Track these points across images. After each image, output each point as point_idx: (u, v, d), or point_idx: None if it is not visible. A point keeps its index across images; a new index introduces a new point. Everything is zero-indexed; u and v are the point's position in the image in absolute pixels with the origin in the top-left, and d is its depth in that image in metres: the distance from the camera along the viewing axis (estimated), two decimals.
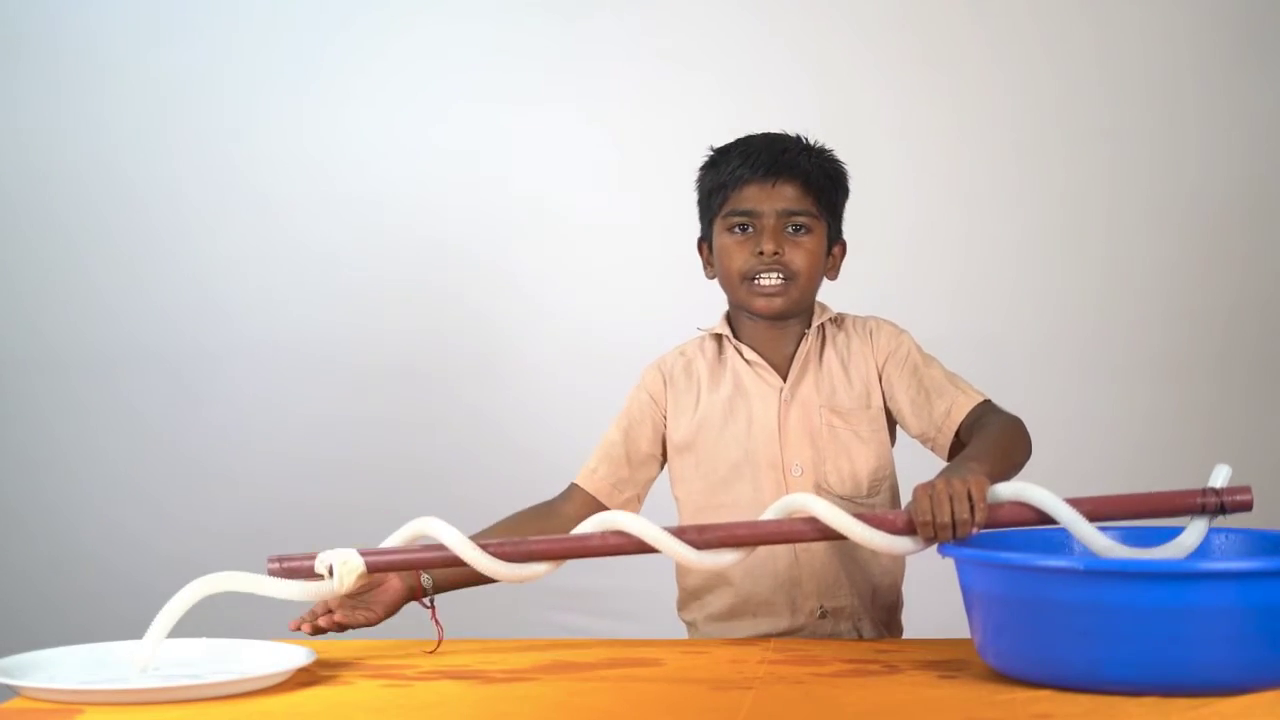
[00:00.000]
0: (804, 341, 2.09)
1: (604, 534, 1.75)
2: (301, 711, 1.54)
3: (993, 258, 3.31)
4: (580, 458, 2.11)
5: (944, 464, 1.89)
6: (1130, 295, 3.29)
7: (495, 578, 1.76)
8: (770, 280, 2.04)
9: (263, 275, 3.39)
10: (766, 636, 2.03)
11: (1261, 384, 3.27)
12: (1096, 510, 1.67)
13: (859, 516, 1.71)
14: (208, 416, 3.40)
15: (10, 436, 3.42)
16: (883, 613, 2.10)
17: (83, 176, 3.40)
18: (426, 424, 3.36)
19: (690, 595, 2.12)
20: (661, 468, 2.14)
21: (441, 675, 1.71)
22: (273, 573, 1.76)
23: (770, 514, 1.75)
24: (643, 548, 1.74)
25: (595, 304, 3.36)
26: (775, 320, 2.09)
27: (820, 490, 2.04)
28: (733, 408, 2.09)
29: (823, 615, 2.06)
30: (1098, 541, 1.63)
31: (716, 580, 2.07)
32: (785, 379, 2.08)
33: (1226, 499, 1.65)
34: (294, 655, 1.68)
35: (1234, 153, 3.28)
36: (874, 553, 2.04)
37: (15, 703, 1.57)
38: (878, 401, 2.08)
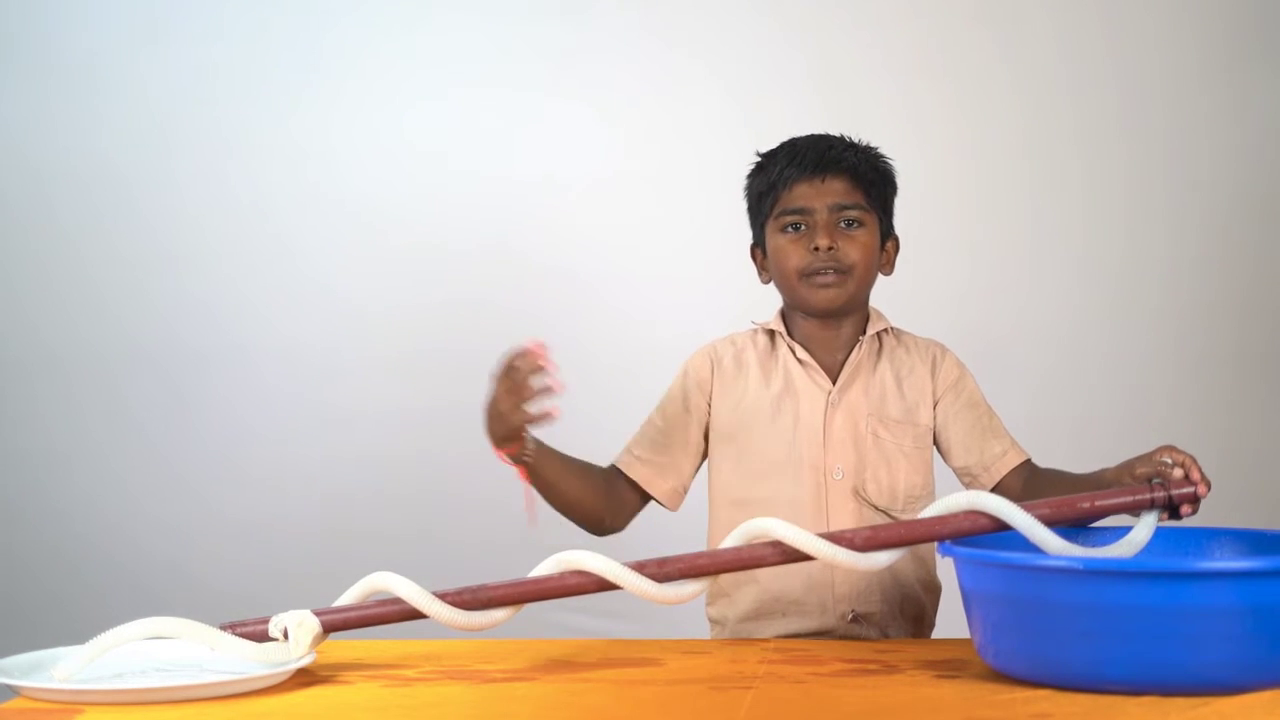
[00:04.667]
0: (857, 348, 2.10)
1: (563, 574, 1.74)
2: (301, 711, 1.54)
3: (1002, 257, 3.31)
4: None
5: None
6: (1143, 293, 3.28)
7: (454, 628, 1.73)
8: (826, 274, 2.05)
9: (262, 276, 3.39)
10: (794, 637, 2.03)
11: (1276, 380, 3.27)
12: (1053, 514, 1.70)
13: (821, 535, 1.70)
14: (204, 418, 3.39)
15: (8, 435, 3.42)
16: (910, 622, 2.10)
17: (80, 177, 3.40)
18: (431, 424, 3.35)
19: (719, 592, 2.12)
20: (704, 456, 2.14)
21: (441, 675, 1.71)
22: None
23: (731, 541, 1.74)
24: (604, 585, 1.73)
25: (598, 302, 3.36)
26: (833, 316, 2.09)
27: (858, 496, 2.06)
28: (781, 405, 2.09)
29: (853, 619, 2.06)
30: (1053, 543, 1.64)
31: (746, 577, 2.07)
32: (835, 382, 2.09)
33: (1174, 492, 1.71)
34: (305, 641, 1.68)
35: (1245, 149, 3.28)
36: (909, 561, 2.07)
37: (15, 703, 1.57)
38: (925, 422, 2.10)
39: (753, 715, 1.49)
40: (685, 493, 2.13)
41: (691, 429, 2.12)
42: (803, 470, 2.06)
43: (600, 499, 2.07)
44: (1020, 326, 3.28)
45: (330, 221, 3.39)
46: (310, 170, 3.39)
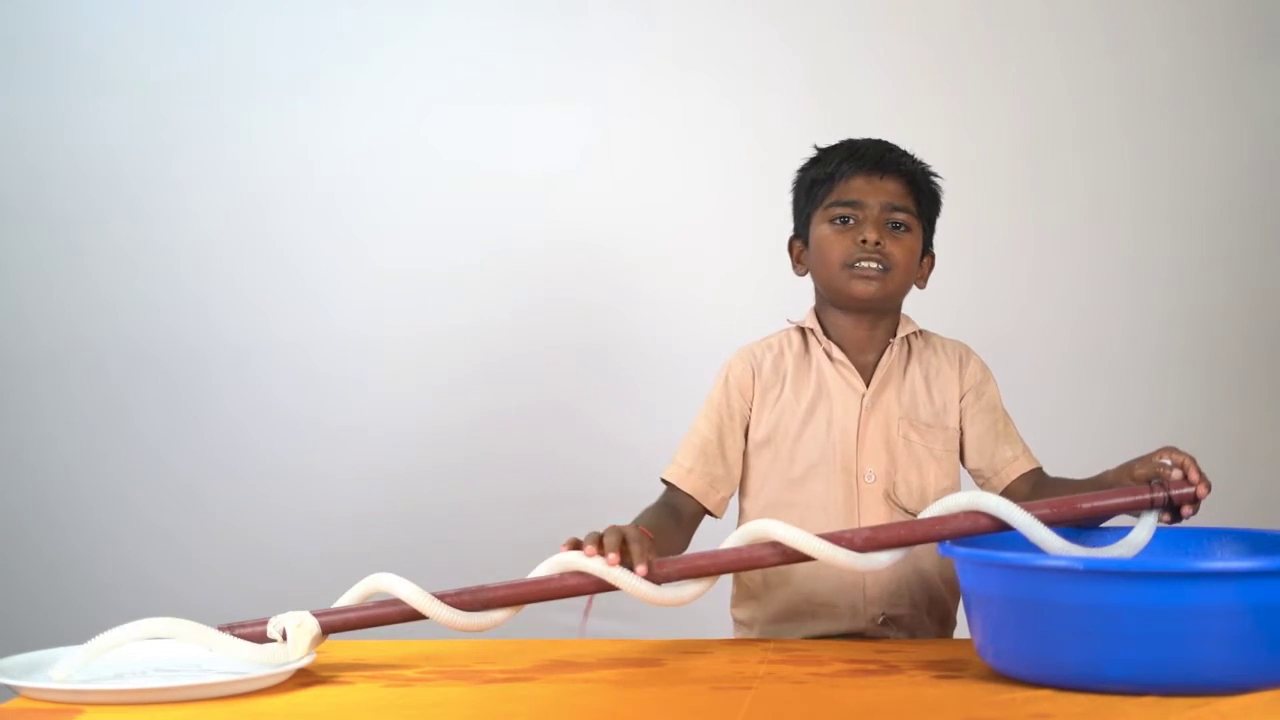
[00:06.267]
0: (889, 350, 2.11)
1: (563, 575, 1.74)
2: (301, 711, 1.54)
3: (1006, 259, 3.30)
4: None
5: None
6: (1147, 293, 3.27)
7: (454, 629, 1.73)
8: (870, 265, 2.06)
9: (262, 278, 3.37)
10: (824, 638, 2.04)
11: None
12: (1053, 515, 1.71)
13: (821, 536, 1.70)
14: (203, 420, 3.37)
15: (6, 435, 3.41)
16: (936, 624, 2.11)
17: (81, 177, 3.39)
18: (433, 426, 3.34)
19: (747, 594, 2.12)
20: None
21: (441, 675, 1.71)
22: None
23: (732, 541, 1.75)
24: (602, 586, 1.73)
25: (601, 300, 3.35)
26: (868, 312, 2.10)
27: (888, 499, 2.07)
28: (815, 408, 2.10)
29: (884, 622, 2.07)
30: (1053, 543, 1.65)
31: (778, 578, 2.07)
32: (868, 384, 2.10)
33: (1173, 493, 1.72)
34: (304, 642, 1.68)
35: (1249, 149, 3.27)
36: (935, 562, 2.08)
37: (15, 703, 1.57)
38: (953, 423, 2.11)
39: (753, 715, 1.49)
40: (728, 501, 2.14)
41: (737, 436, 2.12)
42: (835, 473, 2.07)
43: (679, 542, 2.05)
44: (1024, 328, 3.27)
45: (331, 223, 3.38)
46: (311, 171, 3.39)
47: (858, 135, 2.17)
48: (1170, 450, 1.77)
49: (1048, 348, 3.28)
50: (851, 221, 2.08)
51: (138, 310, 3.38)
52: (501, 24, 3.38)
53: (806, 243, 2.14)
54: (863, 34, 3.33)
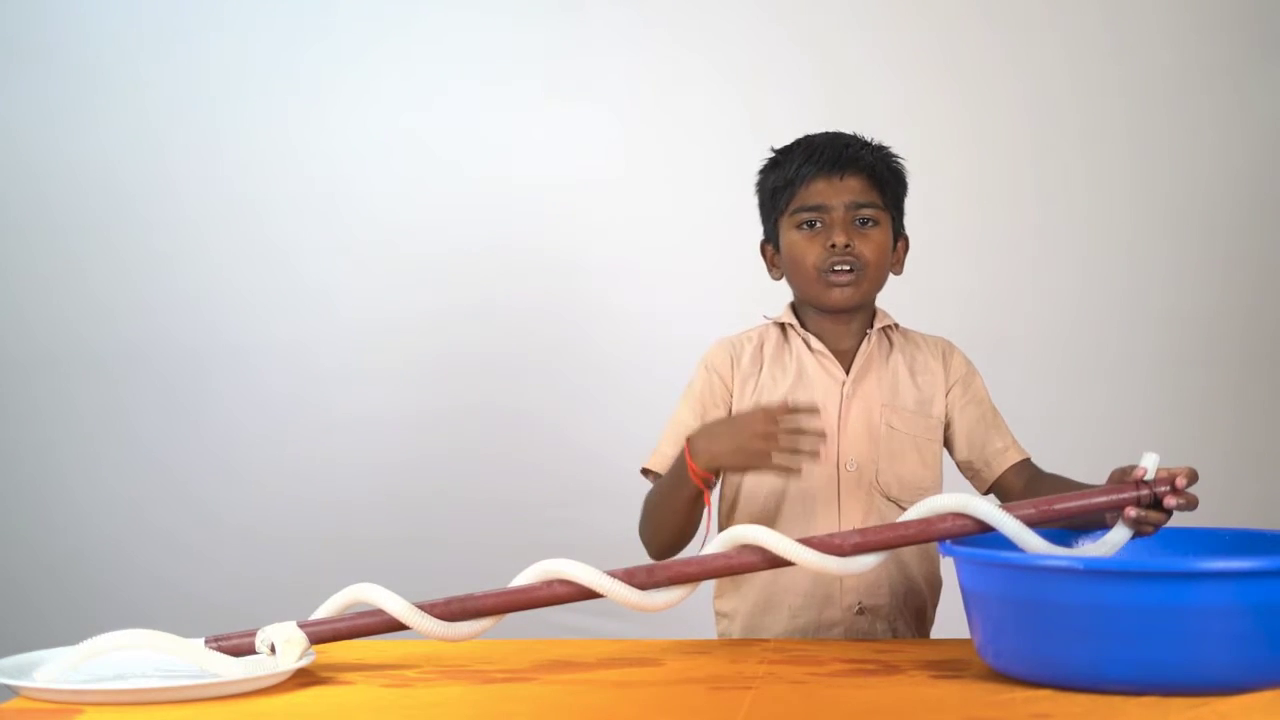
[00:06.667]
0: (868, 339, 2.12)
1: (549, 583, 1.74)
2: (301, 712, 1.54)
3: (1007, 257, 3.30)
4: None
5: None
6: (1147, 293, 3.28)
7: (437, 639, 1.74)
8: (842, 270, 2.06)
9: (259, 278, 3.37)
10: (802, 631, 2.05)
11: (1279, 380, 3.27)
12: (1038, 515, 1.70)
13: (806, 542, 1.70)
14: (201, 420, 3.38)
15: (4, 438, 3.41)
16: (914, 613, 2.12)
17: (78, 178, 3.39)
18: (431, 426, 3.35)
19: (730, 583, 2.12)
20: None
21: (441, 675, 1.71)
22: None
23: (715, 547, 1.75)
24: (587, 594, 1.73)
25: (602, 301, 3.35)
26: (846, 312, 2.10)
27: (871, 488, 2.07)
28: (794, 396, 2.09)
29: (860, 612, 2.07)
30: (1034, 544, 1.65)
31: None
32: (848, 373, 2.10)
33: (1156, 489, 1.70)
34: (293, 656, 1.68)
35: (1249, 149, 3.27)
36: (914, 552, 2.08)
37: (15, 703, 1.57)
38: (939, 413, 2.12)
39: (753, 715, 1.49)
40: (713, 488, 2.12)
41: None
42: (816, 461, 2.06)
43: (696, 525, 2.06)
44: (1025, 327, 3.28)
45: (328, 223, 3.38)
46: (308, 171, 3.39)
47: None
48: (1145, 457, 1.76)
49: (1047, 348, 3.28)
50: (819, 225, 2.08)
51: (135, 311, 3.38)
52: (501, 23, 3.38)
53: (777, 246, 2.15)
54: (869, 34, 3.33)
